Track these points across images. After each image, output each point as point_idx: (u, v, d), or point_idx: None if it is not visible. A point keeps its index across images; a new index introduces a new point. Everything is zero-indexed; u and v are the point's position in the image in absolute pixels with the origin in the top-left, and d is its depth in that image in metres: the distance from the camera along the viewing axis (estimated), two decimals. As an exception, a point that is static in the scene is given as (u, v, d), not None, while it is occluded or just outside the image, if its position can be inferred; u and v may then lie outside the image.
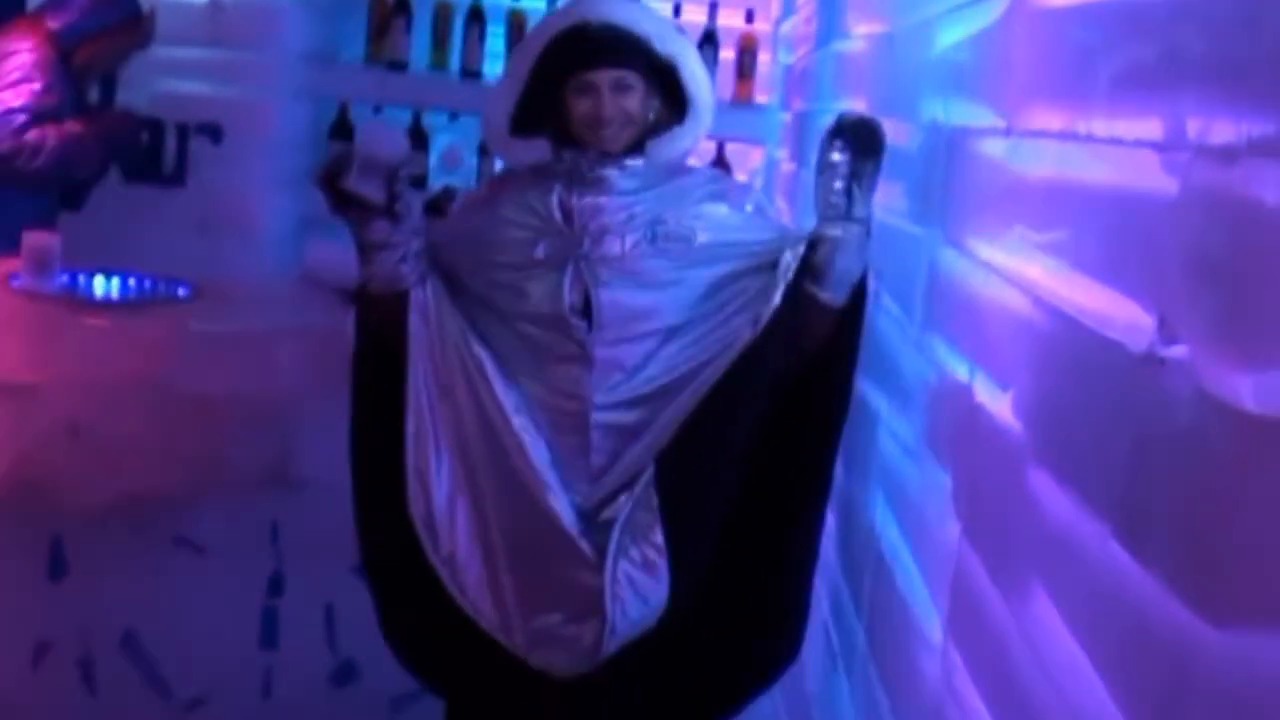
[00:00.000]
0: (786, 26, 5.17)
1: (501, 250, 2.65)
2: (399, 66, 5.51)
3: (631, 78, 2.60)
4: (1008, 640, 1.56)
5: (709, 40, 5.47)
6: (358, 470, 2.74)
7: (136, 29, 4.55)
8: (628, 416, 2.58)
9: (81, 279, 3.86)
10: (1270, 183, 0.99)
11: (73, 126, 4.29)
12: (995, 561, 1.65)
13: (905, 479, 2.24)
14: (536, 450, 2.58)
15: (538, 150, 2.67)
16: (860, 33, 3.21)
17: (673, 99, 2.66)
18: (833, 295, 2.57)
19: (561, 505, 2.56)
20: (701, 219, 2.63)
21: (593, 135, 2.60)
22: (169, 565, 3.51)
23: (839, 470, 2.74)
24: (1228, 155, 1.06)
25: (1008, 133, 1.79)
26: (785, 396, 2.59)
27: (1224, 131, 1.07)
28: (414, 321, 2.61)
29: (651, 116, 2.64)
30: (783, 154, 4.76)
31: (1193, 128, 1.14)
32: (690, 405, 2.55)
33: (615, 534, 2.51)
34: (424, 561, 2.66)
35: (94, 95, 4.73)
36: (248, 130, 5.07)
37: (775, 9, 5.48)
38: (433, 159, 5.58)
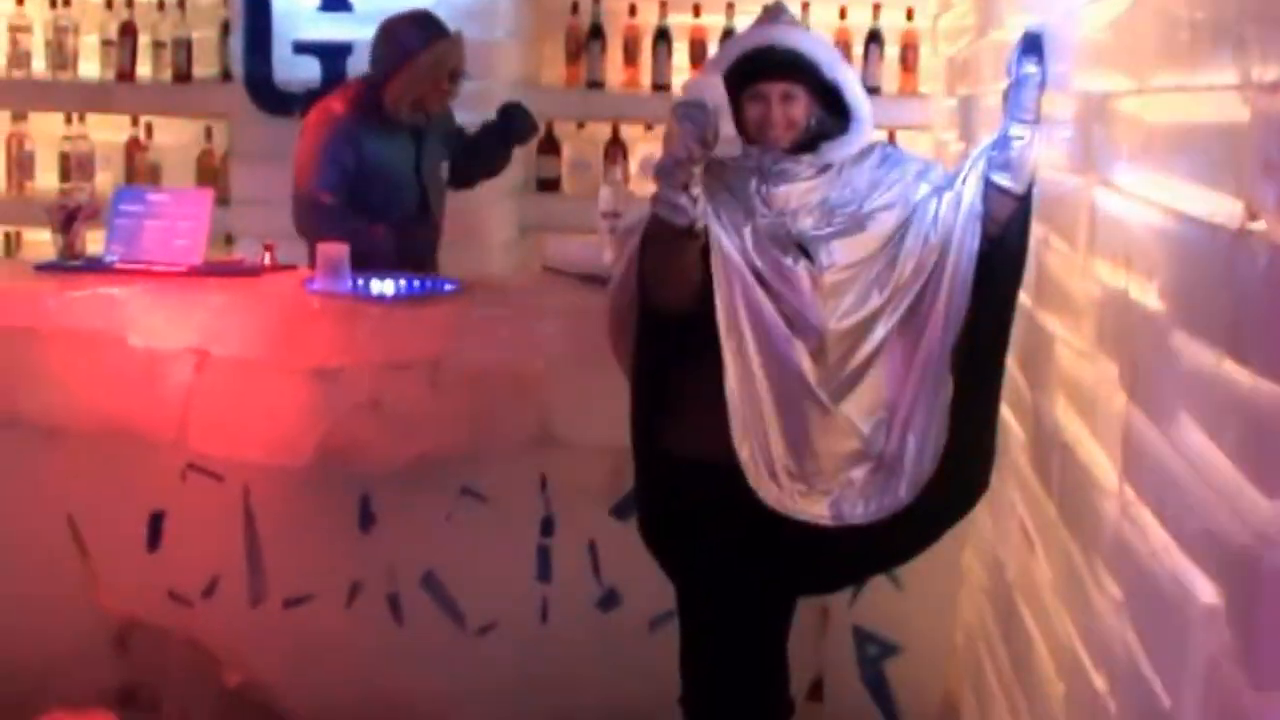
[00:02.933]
0: (944, 21, 5.72)
1: (731, 225, 3.28)
2: (596, 85, 6.16)
3: (796, 90, 3.27)
4: (1168, 462, 2.12)
5: (874, 39, 6.05)
6: (642, 385, 3.40)
7: (433, 52, 4.90)
8: (855, 317, 3.26)
9: (360, 281, 4.52)
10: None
11: (356, 225, 4.82)
12: (1154, 408, 2.22)
13: (1081, 376, 2.80)
14: (796, 342, 3.24)
15: (728, 144, 3.22)
16: (1014, 23, 3.76)
17: (837, 113, 3.32)
18: (1020, 184, 3.19)
19: (817, 382, 3.23)
20: (860, 185, 3.30)
21: (761, 136, 3.27)
22: (458, 513, 4.15)
23: (1024, 386, 3.33)
24: (1274, 88, 1.63)
25: (1139, 92, 2.36)
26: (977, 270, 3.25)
27: (1272, 72, 1.65)
28: (718, 257, 3.21)
29: (814, 124, 3.29)
30: (950, 136, 5.31)
31: (1255, 72, 1.71)
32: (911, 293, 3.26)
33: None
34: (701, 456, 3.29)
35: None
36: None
37: (933, 6, 6.03)
38: (633, 166, 6.24)
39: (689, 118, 3.03)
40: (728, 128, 3.05)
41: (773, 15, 3.41)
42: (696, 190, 3.11)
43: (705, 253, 3.21)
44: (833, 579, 3.71)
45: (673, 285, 3.24)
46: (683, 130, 3.03)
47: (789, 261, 3.23)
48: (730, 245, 3.23)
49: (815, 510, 3.25)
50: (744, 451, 3.22)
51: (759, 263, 3.24)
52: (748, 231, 3.25)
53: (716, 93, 3.07)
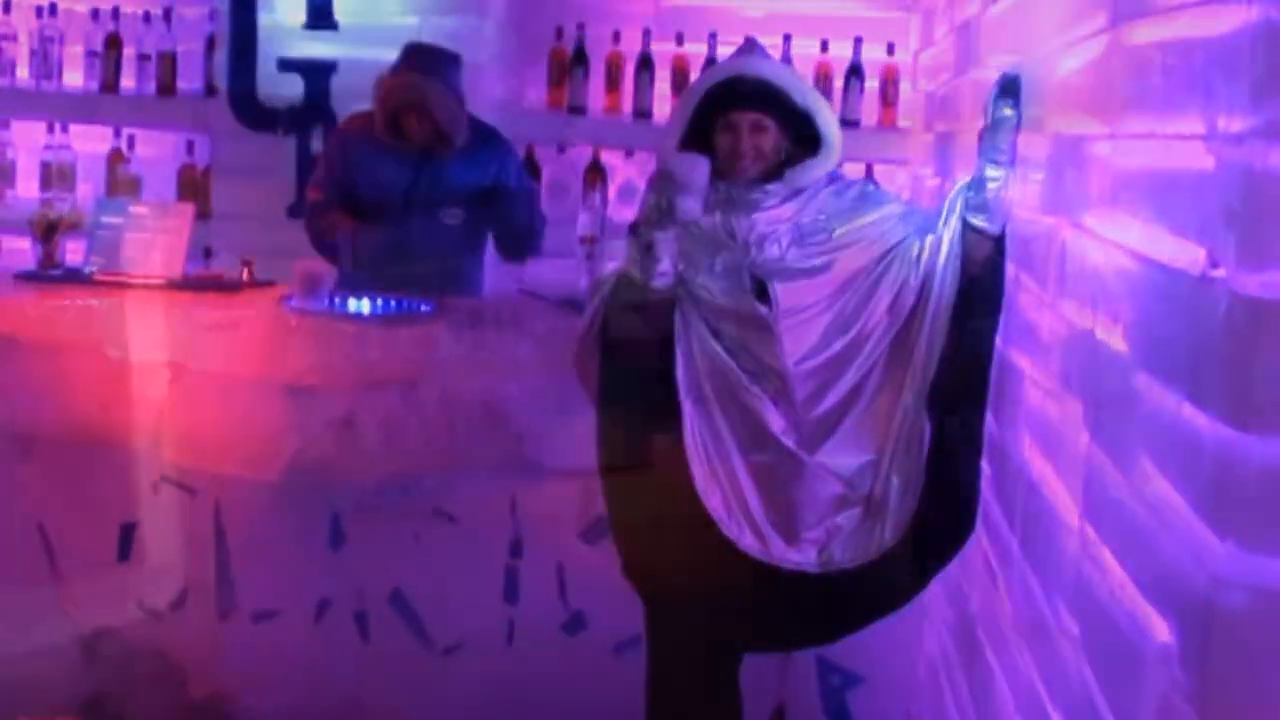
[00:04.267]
0: (925, 57, 5.76)
1: (692, 266, 3.34)
2: (578, 110, 6.20)
3: (766, 121, 3.32)
4: (1127, 502, 2.16)
5: (855, 73, 6.08)
6: (613, 426, 3.46)
7: (405, 77, 4.94)
8: (818, 359, 3.29)
9: (338, 300, 4.54)
10: (1260, 155, 1.61)
11: (339, 220, 4.94)
12: (1115, 450, 2.25)
13: (1047, 415, 2.84)
14: (755, 391, 3.28)
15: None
16: (994, 63, 3.81)
17: (806, 140, 3.37)
18: (996, 225, 3.22)
19: (782, 431, 3.23)
20: (833, 214, 3.34)
21: (730, 166, 3.32)
22: (428, 533, 4.17)
23: (992, 423, 3.37)
24: (1238, 139, 1.67)
25: (1111, 137, 2.40)
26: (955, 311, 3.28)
27: (1236, 123, 1.69)
28: (679, 315, 3.32)
29: (781, 155, 3.33)
30: (927, 171, 5.35)
31: (1221, 122, 1.75)
32: (885, 337, 3.28)
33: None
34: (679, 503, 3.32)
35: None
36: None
37: (914, 41, 6.08)
38: (612, 192, 6.26)
39: (654, 186, 3.22)
40: (695, 205, 3.19)
41: (746, 48, 3.48)
42: (662, 251, 3.21)
43: (669, 308, 3.32)
44: (828, 628, 3.65)
45: (635, 335, 3.36)
46: (647, 196, 3.24)
47: (746, 307, 3.28)
48: (690, 301, 3.31)
49: (800, 558, 3.28)
50: (713, 499, 3.26)
51: (719, 309, 3.29)
52: (710, 279, 3.30)
53: (696, 170, 3.20)
